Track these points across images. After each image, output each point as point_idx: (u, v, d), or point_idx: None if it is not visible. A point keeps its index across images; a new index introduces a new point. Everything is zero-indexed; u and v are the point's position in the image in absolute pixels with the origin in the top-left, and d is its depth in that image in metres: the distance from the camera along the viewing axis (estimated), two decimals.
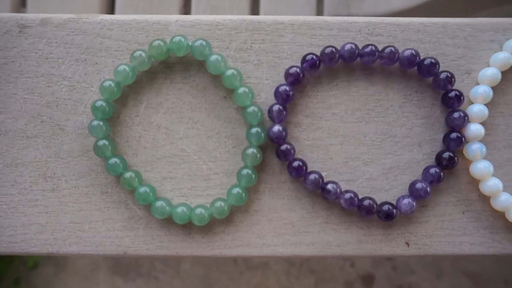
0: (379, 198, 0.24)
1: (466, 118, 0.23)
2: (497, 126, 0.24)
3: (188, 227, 0.24)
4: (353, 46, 0.23)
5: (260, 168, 0.24)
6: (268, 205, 0.24)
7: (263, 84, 0.24)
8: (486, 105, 0.24)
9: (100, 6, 0.56)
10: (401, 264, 0.89)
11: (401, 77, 0.24)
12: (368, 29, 0.24)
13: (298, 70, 0.23)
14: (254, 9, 0.58)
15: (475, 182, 0.24)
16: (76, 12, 0.57)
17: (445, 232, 0.24)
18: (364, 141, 0.24)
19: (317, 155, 0.24)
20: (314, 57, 0.23)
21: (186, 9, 0.59)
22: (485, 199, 0.24)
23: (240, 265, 0.87)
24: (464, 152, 0.24)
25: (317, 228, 0.24)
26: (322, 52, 0.23)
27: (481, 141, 0.24)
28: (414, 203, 0.23)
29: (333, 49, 0.23)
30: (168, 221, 0.24)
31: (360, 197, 0.24)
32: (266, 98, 0.24)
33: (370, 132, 0.24)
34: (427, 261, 0.89)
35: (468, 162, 0.24)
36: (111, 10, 0.57)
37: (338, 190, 0.23)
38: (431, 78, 0.24)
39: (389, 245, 0.24)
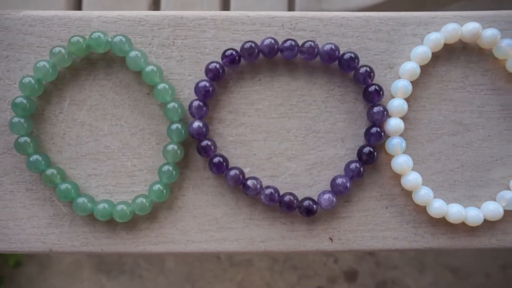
0: (303, 193, 0.24)
1: (386, 112, 0.23)
2: (420, 121, 0.24)
3: (113, 223, 0.24)
4: (273, 41, 0.23)
5: (183, 164, 0.24)
6: (192, 202, 0.24)
7: (186, 80, 0.24)
8: (409, 99, 0.24)
9: (66, 3, 0.56)
10: (384, 259, 0.89)
11: (324, 72, 0.24)
12: (291, 24, 0.24)
13: (217, 65, 0.23)
14: (225, 5, 0.58)
15: (397, 177, 0.24)
16: (41, 8, 0.57)
17: (369, 227, 0.24)
18: (287, 137, 0.24)
19: (241, 151, 0.24)
20: (234, 52, 0.23)
21: (155, 6, 0.59)
22: (408, 194, 0.24)
23: (223, 262, 0.87)
24: (385, 146, 0.24)
25: (241, 224, 0.24)
26: (242, 47, 0.23)
27: (403, 135, 0.24)
28: (334, 199, 0.23)
29: (253, 44, 0.23)
30: (93, 218, 0.24)
31: (283, 192, 0.24)
32: (189, 94, 0.24)
33: (293, 128, 0.24)
34: (410, 256, 0.89)
35: (390, 157, 0.24)
36: (78, 7, 0.57)
37: (259, 186, 0.23)
38: (352, 73, 0.24)
39: (312, 240, 0.24)
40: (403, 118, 0.24)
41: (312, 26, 0.24)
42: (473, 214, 0.23)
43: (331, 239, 0.24)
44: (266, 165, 0.24)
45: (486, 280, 0.87)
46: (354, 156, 0.24)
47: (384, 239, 0.24)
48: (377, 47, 0.24)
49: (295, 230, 0.24)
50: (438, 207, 0.23)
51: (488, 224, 0.24)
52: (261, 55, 0.23)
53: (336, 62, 0.23)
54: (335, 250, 0.24)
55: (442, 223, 0.24)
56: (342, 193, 0.23)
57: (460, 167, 0.24)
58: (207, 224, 0.24)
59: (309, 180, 0.24)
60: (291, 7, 0.58)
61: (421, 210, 0.24)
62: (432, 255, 0.87)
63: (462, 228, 0.24)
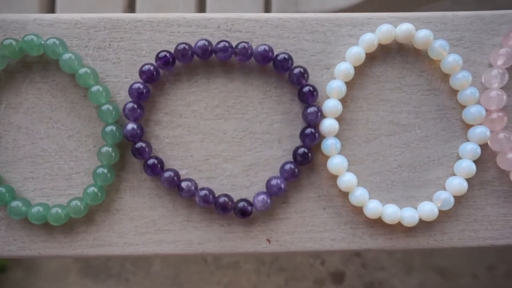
0: (240, 195, 0.24)
1: (320, 113, 0.23)
2: (357, 121, 0.24)
3: (50, 227, 0.24)
4: (206, 43, 0.23)
5: (120, 166, 0.24)
6: (129, 204, 0.24)
7: (122, 82, 0.24)
8: (345, 100, 0.24)
9: (39, 6, 0.56)
10: (371, 260, 0.89)
11: (260, 74, 0.24)
12: (227, 25, 0.24)
13: (151, 67, 0.23)
14: (201, 7, 0.58)
15: (334, 178, 0.24)
16: (15, 11, 0.57)
17: (307, 229, 0.24)
18: (224, 138, 0.24)
19: (178, 153, 0.24)
20: (168, 54, 0.23)
21: (130, 9, 0.59)
22: (345, 195, 0.24)
23: (210, 265, 0.87)
24: (321, 147, 0.24)
25: (178, 226, 0.24)
26: (175, 49, 0.23)
27: (340, 136, 0.24)
28: (269, 200, 0.23)
29: (186, 46, 0.23)
30: (30, 222, 0.24)
31: (218, 194, 0.24)
32: (125, 97, 0.24)
33: (230, 129, 0.24)
34: (396, 257, 0.89)
35: (327, 158, 0.24)
36: (51, 10, 0.57)
37: (193, 187, 0.23)
38: (287, 74, 0.24)
39: (250, 242, 0.24)
40: (339, 119, 0.24)
41: (248, 28, 0.24)
42: (408, 215, 0.23)
43: (268, 240, 0.24)
44: (203, 166, 0.24)
45: (473, 281, 0.87)
46: (291, 157, 0.24)
47: (322, 240, 0.24)
48: (313, 48, 0.24)
49: (233, 232, 0.24)
50: (373, 207, 0.23)
51: (425, 225, 0.24)
52: (197, 56, 0.23)
53: (271, 63, 0.23)
54: (273, 251, 0.24)
55: (380, 224, 0.24)
56: (277, 194, 0.23)
57: (397, 167, 0.24)
58: (145, 227, 0.24)
59: (246, 182, 0.24)
60: (267, 9, 0.58)
61: (359, 211, 0.24)
62: (419, 256, 0.87)
63: (400, 229, 0.24)
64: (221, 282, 0.87)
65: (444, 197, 0.23)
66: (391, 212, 0.23)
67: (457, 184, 0.23)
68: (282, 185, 0.23)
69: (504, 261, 0.87)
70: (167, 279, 0.86)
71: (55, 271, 0.83)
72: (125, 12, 0.58)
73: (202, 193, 0.23)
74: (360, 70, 0.24)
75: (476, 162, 0.24)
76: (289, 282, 0.88)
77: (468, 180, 0.24)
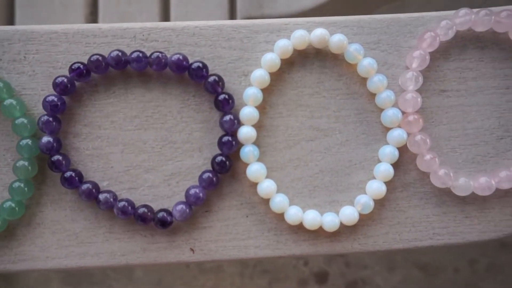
0: (162, 205, 0.24)
1: (237, 121, 0.23)
2: (277, 127, 0.24)
3: None
4: (120, 53, 0.23)
5: (41, 180, 0.24)
6: (51, 217, 0.24)
7: (39, 95, 0.24)
8: (264, 106, 0.24)
9: None
10: (354, 259, 0.89)
11: (178, 83, 0.24)
12: (143, 35, 0.24)
13: (65, 79, 0.23)
14: (165, 14, 0.57)
15: (255, 185, 0.24)
16: None
17: (230, 237, 0.24)
18: (144, 148, 0.24)
19: (98, 165, 0.24)
20: (81, 66, 0.23)
21: (93, 16, 0.58)
22: (267, 202, 0.24)
23: (193, 269, 0.86)
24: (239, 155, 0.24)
25: (100, 238, 0.24)
26: (89, 61, 0.23)
27: (260, 143, 0.24)
28: (188, 209, 0.23)
29: (99, 57, 0.23)
30: None
31: (138, 205, 0.24)
32: (42, 110, 0.24)
33: (150, 139, 0.24)
34: (379, 256, 0.89)
35: (246, 165, 0.24)
36: (10, 21, 0.56)
37: (112, 199, 0.23)
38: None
39: (174, 252, 0.24)
40: (258, 126, 0.24)
41: (164, 37, 0.24)
42: (329, 220, 0.23)
43: (192, 250, 0.24)
44: (124, 177, 0.24)
45: (455, 276, 0.87)
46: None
47: (246, 248, 0.24)
48: (231, 55, 0.24)
49: (156, 242, 0.24)
50: (293, 214, 0.23)
51: (349, 229, 0.24)
52: (111, 67, 0.23)
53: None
54: (197, 260, 0.24)
55: (303, 230, 0.24)
56: (196, 203, 0.23)
57: (319, 172, 0.24)
58: (67, 240, 0.24)
59: (168, 191, 0.24)
60: (232, 14, 0.58)
61: (282, 217, 0.24)
62: (401, 253, 0.88)
63: (324, 234, 0.24)
64: (205, 286, 0.86)
65: (364, 201, 0.23)
66: (311, 217, 0.23)
67: (376, 187, 0.23)
68: (201, 194, 0.23)
69: (485, 255, 0.88)
70: (150, 285, 0.86)
71: (36, 281, 0.82)
72: (87, 20, 0.57)
73: (121, 204, 0.23)
74: (278, 76, 0.24)
75: (397, 164, 0.24)
76: (272, 284, 0.88)
77: (388, 183, 0.24)
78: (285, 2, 0.59)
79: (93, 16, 0.58)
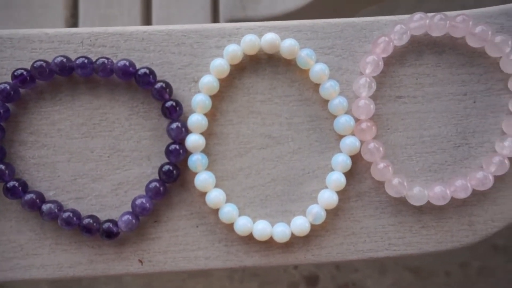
0: (109, 215, 0.23)
1: (184, 129, 0.22)
2: (227, 135, 0.23)
3: None
4: (64, 59, 0.22)
5: None
6: None
7: None
8: (215, 113, 0.23)
9: None
10: (345, 262, 0.88)
11: (126, 89, 0.23)
12: (90, 40, 0.23)
13: (8, 86, 0.22)
14: (147, 17, 0.57)
15: (205, 195, 0.23)
16: None
17: (180, 248, 0.23)
18: (91, 157, 0.23)
19: (44, 174, 0.23)
20: (25, 72, 0.22)
21: (74, 19, 0.57)
22: (218, 212, 0.23)
23: (182, 273, 0.86)
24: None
25: (47, 250, 0.23)
26: (32, 67, 0.22)
27: (210, 151, 0.23)
28: (134, 220, 0.22)
29: (44, 63, 0.22)
30: None
31: (84, 215, 0.23)
32: None
33: (97, 147, 0.23)
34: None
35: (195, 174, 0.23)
36: None
37: (56, 209, 0.22)
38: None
39: (122, 263, 0.23)
40: (208, 134, 0.23)
41: (112, 42, 0.23)
42: (280, 230, 0.23)
43: (140, 261, 0.23)
44: (71, 187, 0.23)
45: (446, 279, 0.86)
46: None
47: (196, 259, 0.23)
48: (180, 61, 0.23)
49: (103, 254, 0.23)
50: (242, 224, 0.23)
51: (302, 240, 0.23)
52: (56, 74, 0.23)
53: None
54: (146, 272, 0.23)
55: (254, 241, 0.23)
56: (143, 213, 0.23)
57: (271, 181, 0.24)
58: (12, 252, 0.23)
59: (116, 201, 0.23)
60: (214, 17, 0.58)
61: (232, 228, 0.23)
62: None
63: (276, 244, 0.23)
64: None
65: (315, 211, 0.23)
66: (261, 228, 0.23)
67: (328, 197, 0.23)
68: (148, 204, 0.22)
69: (477, 258, 0.87)
70: None
71: (25, 284, 0.82)
72: (67, 23, 0.56)
73: (65, 215, 0.22)
74: (229, 82, 0.23)
75: (351, 173, 0.23)
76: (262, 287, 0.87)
77: (342, 192, 0.23)
78: (268, 4, 0.58)
79: (73, 18, 0.57)
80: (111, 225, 0.22)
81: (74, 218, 0.22)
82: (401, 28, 0.23)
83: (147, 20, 0.57)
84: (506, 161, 0.23)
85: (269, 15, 0.58)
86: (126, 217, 0.22)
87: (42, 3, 0.56)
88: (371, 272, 0.87)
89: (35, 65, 0.22)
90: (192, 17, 0.57)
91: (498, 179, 0.23)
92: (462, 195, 0.23)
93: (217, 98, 0.23)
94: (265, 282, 0.87)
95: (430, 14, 0.23)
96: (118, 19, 0.56)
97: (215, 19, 0.58)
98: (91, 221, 0.22)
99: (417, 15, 0.23)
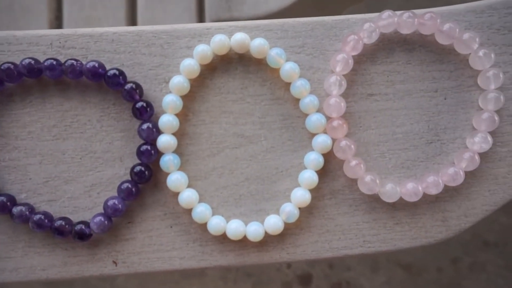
0: (82, 217, 0.23)
1: (155, 129, 0.22)
2: (200, 135, 0.23)
3: None
4: (32, 61, 0.22)
5: None
6: None
7: None
8: (187, 113, 0.23)
9: None
10: (338, 260, 0.89)
11: (97, 91, 0.23)
12: (60, 42, 0.23)
13: None
14: (132, 18, 0.56)
15: (177, 195, 0.23)
16: None
17: (154, 248, 0.23)
18: (63, 159, 0.23)
19: (15, 176, 0.23)
20: None
21: (58, 21, 0.57)
22: (191, 212, 0.23)
23: (175, 274, 0.85)
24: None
25: (19, 253, 0.23)
26: None
27: (183, 151, 0.23)
28: (106, 221, 0.22)
29: (11, 66, 0.22)
30: None
31: (56, 217, 0.23)
32: None
33: (69, 149, 0.23)
34: (362, 256, 0.89)
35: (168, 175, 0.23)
36: None
37: (27, 212, 0.22)
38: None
39: (96, 265, 0.23)
40: (180, 134, 0.23)
41: (82, 43, 0.23)
42: (253, 229, 0.23)
43: (115, 262, 0.23)
44: (43, 189, 0.23)
45: (438, 274, 0.87)
46: None
47: (171, 259, 0.23)
48: (151, 62, 0.23)
49: (77, 256, 0.23)
50: (215, 224, 0.23)
51: (277, 238, 0.24)
52: (25, 76, 0.22)
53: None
54: (120, 273, 0.23)
55: (229, 240, 0.23)
56: (115, 214, 0.22)
57: (245, 180, 0.24)
58: None
59: (89, 203, 0.23)
60: (200, 17, 0.58)
61: (206, 227, 0.23)
62: (384, 253, 0.87)
63: (250, 244, 0.23)
64: None
65: (288, 210, 0.23)
66: (234, 227, 0.23)
67: (300, 195, 0.23)
68: (120, 205, 0.22)
69: (468, 254, 0.87)
70: None
71: (18, 285, 0.81)
72: (51, 25, 0.56)
73: (36, 217, 0.22)
74: (200, 82, 0.23)
75: (324, 171, 0.23)
76: (256, 287, 0.87)
77: (316, 190, 0.23)
78: (253, 4, 0.58)
79: (58, 21, 0.57)
80: (83, 227, 0.22)
81: (46, 221, 0.22)
82: (370, 26, 0.23)
83: (132, 21, 0.57)
84: (477, 157, 0.23)
85: (253, 15, 0.58)
86: (98, 218, 0.22)
87: (26, 6, 0.56)
88: (364, 270, 0.87)
89: (2, 67, 0.22)
90: (177, 18, 0.56)
91: (470, 174, 0.24)
92: (433, 191, 0.23)
93: (189, 98, 0.23)
94: (258, 282, 0.87)
95: (398, 12, 0.23)
96: (103, 21, 0.56)
97: (201, 20, 0.58)
98: (63, 223, 0.22)
99: (386, 13, 0.23)
